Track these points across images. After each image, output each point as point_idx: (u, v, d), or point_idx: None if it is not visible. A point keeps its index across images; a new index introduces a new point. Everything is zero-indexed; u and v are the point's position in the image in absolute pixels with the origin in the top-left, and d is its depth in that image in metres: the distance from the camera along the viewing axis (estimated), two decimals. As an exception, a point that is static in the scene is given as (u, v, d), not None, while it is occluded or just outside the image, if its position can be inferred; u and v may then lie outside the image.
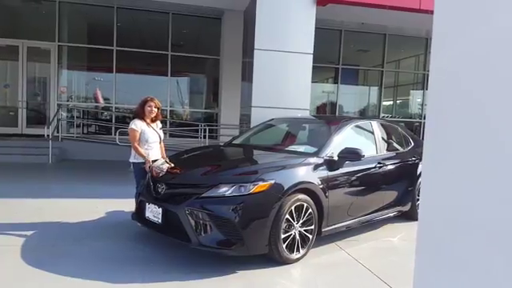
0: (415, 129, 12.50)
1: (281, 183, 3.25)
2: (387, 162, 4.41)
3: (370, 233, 4.36)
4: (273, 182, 3.20)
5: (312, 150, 3.90)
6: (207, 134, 8.75)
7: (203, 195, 3.15)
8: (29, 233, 3.80)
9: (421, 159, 5.03)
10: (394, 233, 4.45)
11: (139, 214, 3.64)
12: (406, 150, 5.00)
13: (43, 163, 8.22)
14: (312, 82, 6.82)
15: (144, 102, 4.14)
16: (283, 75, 6.40)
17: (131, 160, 4.13)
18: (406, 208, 4.75)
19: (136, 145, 4.01)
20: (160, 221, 3.34)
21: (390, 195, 4.48)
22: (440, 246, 0.87)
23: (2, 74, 10.28)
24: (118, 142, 7.88)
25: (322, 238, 3.73)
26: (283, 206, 3.21)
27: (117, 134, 7.95)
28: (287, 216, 3.25)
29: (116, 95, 10.28)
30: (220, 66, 10.36)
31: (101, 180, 6.81)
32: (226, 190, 3.12)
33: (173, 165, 3.69)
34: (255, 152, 4.32)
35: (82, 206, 4.96)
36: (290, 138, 4.75)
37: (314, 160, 3.63)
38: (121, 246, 3.61)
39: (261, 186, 3.14)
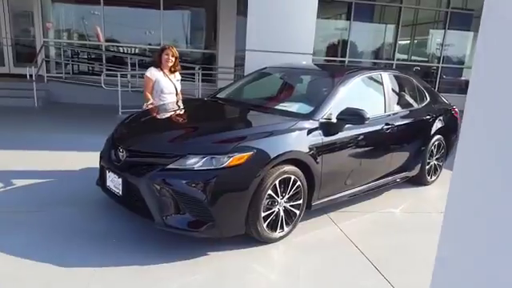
0: (431, 74, 11.51)
1: (263, 154, 2.68)
2: (396, 123, 3.77)
3: (370, 201, 3.88)
4: (253, 153, 2.64)
5: (306, 109, 3.26)
6: (200, 78, 7.98)
7: (168, 167, 2.62)
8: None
9: (436, 117, 4.38)
10: (396, 202, 3.96)
11: (102, 180, 3.16)
12: (420, 106, 4.32)
13: (28, 107, 7.73)
14: (322, 18, 5.87)
15: (161, 50, 4.00)
16: (284, 10, 5.45)
17: (144, 108, 3.86)
18: (414, 173, 4.21)
19: (147, 93, 3.89)
20: (121, 192, 2.86)
21: (397, 160, 3.91)
22: (465, 240, 0.85)
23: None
24: (103, 85, 7.24)
25: (315, 209, 3.25)
26: (265, 181, 2.69)
27: (102, 77, 7.28)
28: (270, 192, 2.74)
29: (104, 31, 9.39)
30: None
31: (84, 128, 6.32)
32: (195, 162, 2.58)
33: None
34: (238, 111, 3.67)
35: (56, 160, 4.53)
36: (282, 92, 4.07)
37: (307, 124, 3.01)
38: (86, 215, 3.19)
39: (238, 159, 2.59)
